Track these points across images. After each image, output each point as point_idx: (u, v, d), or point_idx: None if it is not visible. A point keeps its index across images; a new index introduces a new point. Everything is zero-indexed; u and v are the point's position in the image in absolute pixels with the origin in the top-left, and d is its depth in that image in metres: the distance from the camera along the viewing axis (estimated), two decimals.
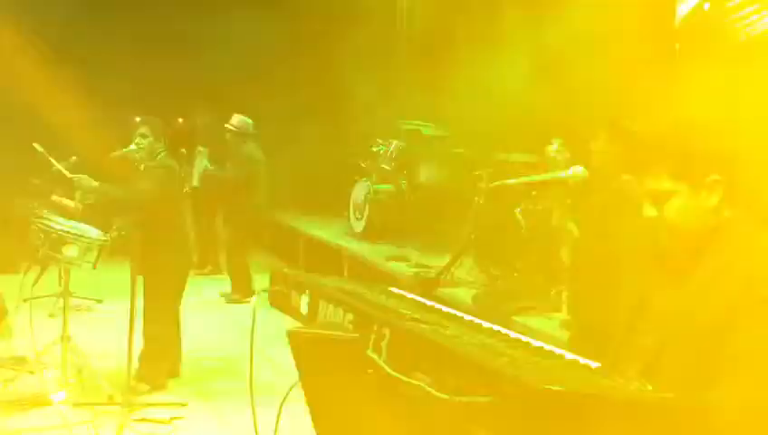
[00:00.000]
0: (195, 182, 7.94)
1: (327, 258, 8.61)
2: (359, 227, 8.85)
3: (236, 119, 7.77)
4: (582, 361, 1.59)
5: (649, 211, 1.98)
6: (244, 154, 7.71)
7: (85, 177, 5.12)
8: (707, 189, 1.92)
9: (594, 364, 1.55)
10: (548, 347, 1.69)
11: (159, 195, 5.08)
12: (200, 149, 7.96)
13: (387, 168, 8.62)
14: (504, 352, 1.51)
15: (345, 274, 8.10)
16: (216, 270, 9.37)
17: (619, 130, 3.67)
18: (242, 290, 7.78)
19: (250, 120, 7.81)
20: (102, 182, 5.16)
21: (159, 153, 5.32)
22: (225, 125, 7.80)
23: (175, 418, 4.88)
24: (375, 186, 8.67)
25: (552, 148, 5.24)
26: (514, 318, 5.40)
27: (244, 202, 7.74)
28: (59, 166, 5.22)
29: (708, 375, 1.82)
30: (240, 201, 7.76)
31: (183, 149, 7.97)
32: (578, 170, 2.26)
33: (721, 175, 1.92)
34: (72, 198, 5.39)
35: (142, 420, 4.77)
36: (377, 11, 9.56)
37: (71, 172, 5.20)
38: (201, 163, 7.78)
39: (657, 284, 2.06)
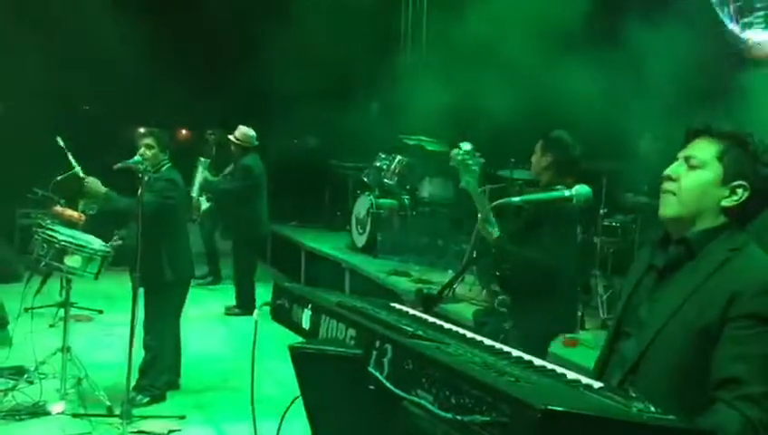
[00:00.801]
0: (194, 193, 7.96)
1: (328, 272, 8.62)
2: (360, 241, 8.86)
3: (240, 131, 7.80)
4: (585, 380, 1.58)
5: (674, 169, 2.03)
6: (242, 166, 7.73)
7: (96, 180, 5.13)
8: (731, 189, 1.98)
9: (597, 384, 1.55)
10: (550, 366, 1.68)
11: (162, 207, 5.09)
12: (201, 159, 7.98)
13: (389, 182, 8.64)
14: (506, 370, 1.50)
15: (346, 288, 8.09)
16: (217, 280, 9.40)
17: (552, 142, 3.83)
18: (245, 304, 7.77)
19: (253, 133, 7.83)
20: (109, 189, 5.17)
21: (164, 164, 5.33)
22: (229, 136, 7.83)
23: (173, 431, 4.87)
24: (377, 200, 8.69)
25: None
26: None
27: (245, 214, 7.76)
28: (75, 163, 5.24)
29: (691, 387, 1.85)
30: (241, 213, 7.77)
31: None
32: (583, 189, 2.26)
33: (750, 188, 1.98)
34: (76, 209, 5.41)
35: (140, 432, 4.76)
36: (379, 23, 9.64)
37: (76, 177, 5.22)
38: (201, 174, 7.80)
39: (647, 286, 2.09)
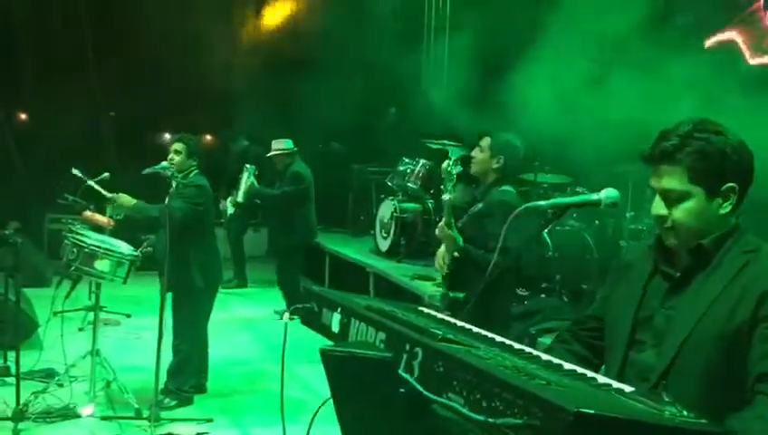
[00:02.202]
0: (240, 199, 8.04)
1: (352, 277, 8.63)
2: (384, 245, 8.86)
3: (278, 143, 7.90)
4: (615, 384, 1.58)
5: (659, 209, 2.00)
6: (293, 172, 7.81)
7: (124, 195, 5.22)
8: (723, 196, 1.96)
9: (628, 388, 1.55)
10: (580, 370, 1.68)
11: (191, 213, 5.14)
12: (247, 166, 8.07)
13: (413, 186, 8.64)
14: (536, 374, 1.51)
15: (371, 292, 8.10)
16: (243, 284, 9.46)
17: (503, 145, 4.17)
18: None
19: (290, 141, 7.94)
20: (138, 200, 5.24)
21: (192, 170, 5.39)
22: (272, 152, 7.90)
23: (200, 433, 4.90)
24: (401, 204, 8.69)
25: None
26: (540, 339, 5.37)
27: (296, 219, 7.83)
28: (97, 187, 5.33)
29: (722, 392, 1.84)
30: (292, 218, 7.84)
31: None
32: (611, 192, 2.25)
33: (737, 183, 1.96)
34: (104, 214, 5.48)
35: (168, 434, 4.80)
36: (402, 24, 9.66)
37: (104, 189, 5.30)
38: (248, 180, 7.88)
39: (657, 294, 2.05)
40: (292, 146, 7.91)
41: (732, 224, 1.99)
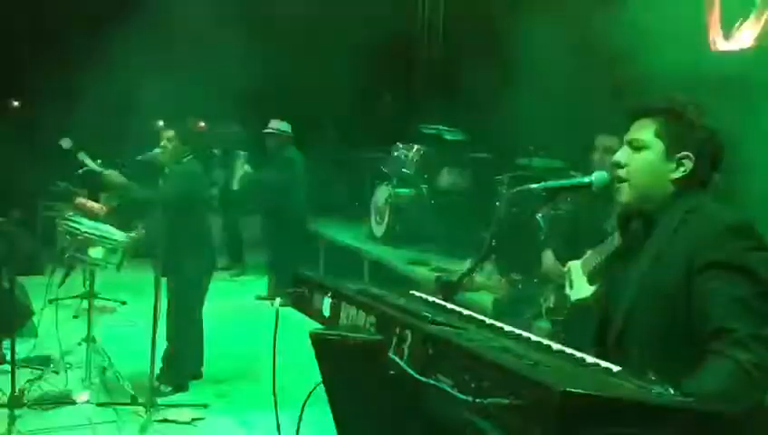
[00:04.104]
0: (235, 186, 8.02)
1: (347, 262, 8.64)
2: (379, 230, 8.87)
3: (276, 123, 7.87)
4: (603, 364, 1.59)
5: (620, 156, 2.12)
6: (286, 157, 7.80)
7: (115, 172, 5.21)
8: (677, 162, 2.07)
9: (615, 368, 1.56)
10: (569, 350, 1.69)
11: (183, 197, 5.14)
12: (240, 153, 8.05)
13: (408, 172, 8.64)
14: (524, 354, 1.52)
15: (365, 277, 8.11)
16: (243, 272, 9.46)
17: None
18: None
19: (288, 124, 7.91)
20: (128, 181, 5.24)
21: (185, 156, 5.37)
22: (268, 129, 7.87)
23: (196, 419, 4.92)
24: (396, 190, 8.69)
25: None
26: (536, 323, 5.38)
27: (288, 205, 7.83)
28: (89, 161, 5.30)
29: (671, 349, 1.92)
30: (284, 204, 7.84)
31: (215, 151, 8.03)
32: (602, 175, 2.26)
33: (695, 157, 2.06)
34: (97, 201, 5.47)
35: (164, 420, 4.82)
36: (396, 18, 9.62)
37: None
38: (242, 167, 7.86)
39: (612, 267, 2.23)
40: (290, 131, 7.89)
41: (676, 190, 2.07)
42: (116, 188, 5.27)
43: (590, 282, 3.69)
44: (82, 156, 5.33)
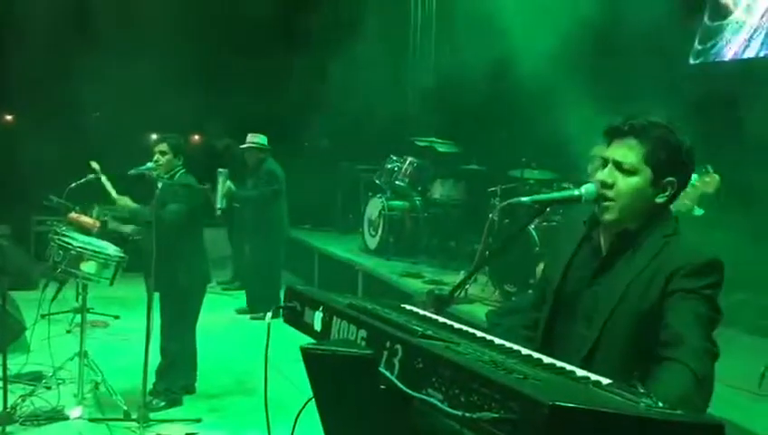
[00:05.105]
0: (220, 204, 8.01)
1: (341, 274, 8.64)
2: (373, 243, 8.88)
3: (254, 137, 7.87)
4: (593, 377, 1.59)
5: (608, 175, 2.16)
6: (267, 170, 7.81)
7: (127, 198, 5.25)
8: (662, 187, 2.15)
9: (605, 381, 1.56)
10: (559, 363, 1.70)
11: (185, 214, 5.16)
12: (221, 170, 8.04)
13: (401, 184, 8.66)
14: (515, 368, 1.52)
15: (359, 290, 8.11)
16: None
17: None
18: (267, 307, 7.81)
19: (265, 137, 7.91)
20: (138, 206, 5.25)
21: (178, 170, 5.37)
22: (247, 144, 7.87)
23: (189, 434, 4.90)
24: (389, 202, 8.71)
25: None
26: None
27: (270, 218, 7.83)
28: (108, 185, 5.34)
29: (643, 364, 1.99)
30: (265, 217, 7.84)
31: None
32: (591, 188, 2.27)
33: (677, 181, 2.15)
34: (90, 216, 5.47)
35: None
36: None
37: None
38: (224, 184, 7.85)
39: (583, 269, 2.24)
40: (266, 143, 7.89)
41: (658, 212, 2.17)
42: (125, 212, 5.30)
43: None
44: (104, 179, 5.37)
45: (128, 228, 5.39)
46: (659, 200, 2.16)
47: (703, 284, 2.04)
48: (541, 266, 4.13)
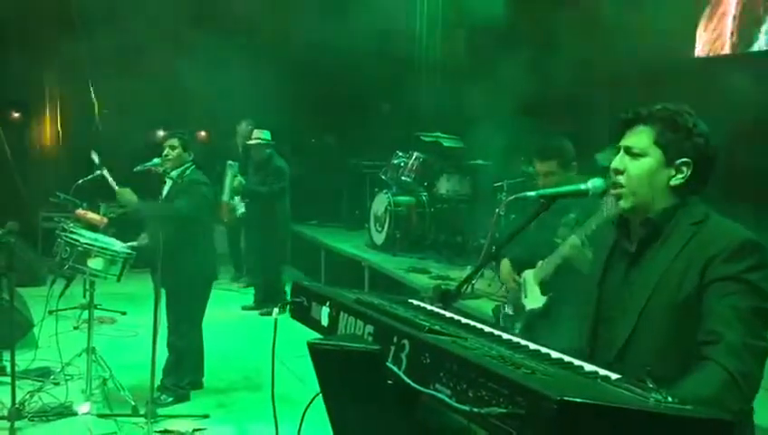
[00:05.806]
0: (226, 197, 8.01)
1: (348, 270, 8.64)
2: (379, 238, 8.87)
3: (260, 132, 7.88)
4: (602, 372, 1.59)
5: (617, 162, 2.14)
6: (275, 167, 7.82)
7: (129, 190, 5.21)
8: (676, 168, 2.10)
9: (614, 375, 1.55)
10: (567, 358, 1.69)
11: (198, 209, 5.16)
12: (229, 163, 8.04)
13: (407, 179, 8.64)
14: (522, 363, 1.51)
15: (366, 286, 8.11)
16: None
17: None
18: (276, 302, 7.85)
19: (269, 132, 7.92)
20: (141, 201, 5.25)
21: (187, 166, 5.37)
22: (253, 140, 7.87)
23: (197, 429, 4.91)
24: (395, 198, 8.69)
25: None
26: None
27: (276, 214, 7.85)
28: (110, 177, 5.33)
29: (678, 360, 1.94)
30: (275, 213, 7.85)
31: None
32: (598, 182, 2.26)
33: (693, 162, 2.09)
34: (97, 212, 5.48)
35: (165, 431, 4.81)
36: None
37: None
38: (233, 177, 7.84)
39: (619, 268, 2.19)
40: (270, 138, 7.90)
41: (678, 198, 2.11)
42: (127, 205, 5.28)
43: (543, 292, 3.79)
44: (105, 172, 5.36)
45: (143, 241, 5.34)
46: (674, 183, 2.09)
47: (742, 267, 1.93)
48: (505, 262, 4.12)
